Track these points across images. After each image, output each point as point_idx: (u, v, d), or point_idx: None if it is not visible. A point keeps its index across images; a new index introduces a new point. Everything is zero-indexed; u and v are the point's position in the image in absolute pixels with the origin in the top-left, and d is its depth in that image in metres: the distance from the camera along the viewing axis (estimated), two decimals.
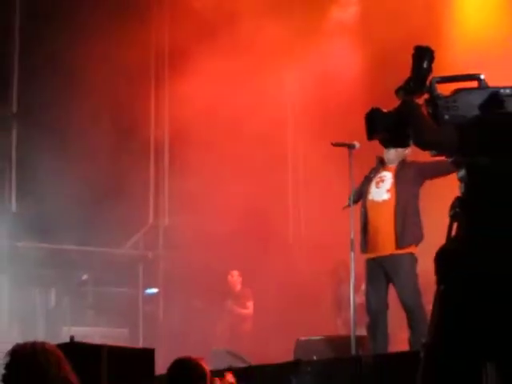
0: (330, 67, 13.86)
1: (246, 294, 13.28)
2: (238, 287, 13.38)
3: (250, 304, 13.16)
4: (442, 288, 4.43)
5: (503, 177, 4.53)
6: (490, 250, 4.39)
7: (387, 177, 8.70)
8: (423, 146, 5.09)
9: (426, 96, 4.99)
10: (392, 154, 8.63)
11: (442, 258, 4.53)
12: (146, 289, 15.70)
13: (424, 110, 4.91)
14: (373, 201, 8.81)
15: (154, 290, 15.71)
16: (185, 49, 15.18)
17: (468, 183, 4.64)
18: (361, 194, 8.92)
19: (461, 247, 4.50)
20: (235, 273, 13.44)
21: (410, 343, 7.95)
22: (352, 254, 8.74)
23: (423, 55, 4.99)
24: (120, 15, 14.44)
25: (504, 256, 4.33)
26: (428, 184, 8.75)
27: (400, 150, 8.30)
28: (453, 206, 4.60)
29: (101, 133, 14.35)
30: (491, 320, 4.21)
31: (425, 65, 4.97)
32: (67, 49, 14.43)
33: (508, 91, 4.87)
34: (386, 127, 5.09)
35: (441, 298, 4.43)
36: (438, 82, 5.01)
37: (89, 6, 14.45)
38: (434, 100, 4.94)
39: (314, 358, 8.38)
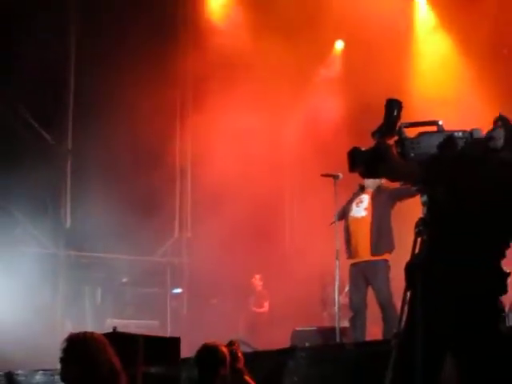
0: (319, 114, 13.91)
1: (265, 295, 13.26)
2: (259, 287, 13.34)
3: (267, 304, 13.15)
4: (409, 293, 4.50)
5: (454, 203, 4.59)
6: (445, 265, 4.46)
7: (365, 198, 8.74)
8: (392, 178, 5.20)
9: (395, 138, 5.07)
10: (370, 181, 8.57)
11: (409, 270, 4.58)
12: (173, 289, 15.70)
13: (394, 149, 5.00)
14: (353, 217, 8.83)
15: (179, 290, 15.72)
16: (204, 99, 15.24)
17: (428, 207, 4.72)
18: (344, 214, 8.93)
19: (423, 262, 4.54)
20: (257, 276, 13.40)
21: (384, 333, 7.97)
22: (337, 261, 8.80)
23: (393, 106, 5.04)
24: (157, 63, 14.58)
25: (454, 271, 4.37)
26: (398, 206, 8.77)
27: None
28: (417, 225, 4.66)
29: (137, 161, 14.41)
30: (448, 318, 4.31)
31: (394, 113, 5.03)
32: (115, 89, 14.34)
33: (460, 134, 4.93)
34: (363, 162, 5.15)
35: (409, 300, 4.49)
36: (405, 127, 5.08)
37: (131, 52, 14.32)
38: (401, 141, 5.01)
39: (307, 344, 8.47)
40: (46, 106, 16.16)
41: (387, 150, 4.97)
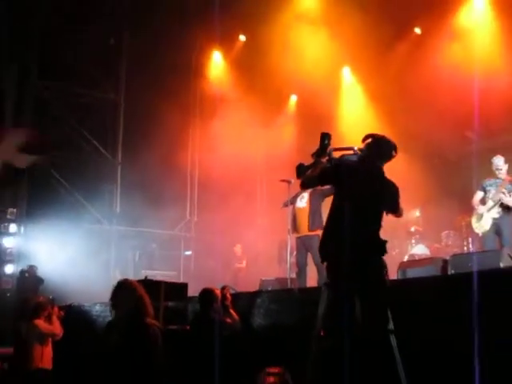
0: (279, 142, 13.97)
1: (243, 257, 13.16)
2: (239, 253, 13.22)
3: (245, 262, 13.10)
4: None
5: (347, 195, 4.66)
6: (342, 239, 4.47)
7: (305, 195, 8.64)
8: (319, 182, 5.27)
9: (326, 158, 5.11)
10: None
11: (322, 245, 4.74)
12: (185, 252, 15.69)
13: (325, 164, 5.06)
14: (298, 207, 8.75)
15: (189, 252, 15.73)
16: (207, 122, 15.25)
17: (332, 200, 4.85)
18: (291, 203, 8.85)
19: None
20: (238, 245, 13.28)
21: (318, 282, 7.88)
22: (289, 236, 8.78)
23: (326, 136, 5.09)
24: (178, 101, 14.47)
25: (350, 242, 4.37)
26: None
27: None
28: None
29: (163, 167, 14.30)
30: (351, 275, 4.32)
31: (326, 141, 5.09)
32: (151, 117, 14.37)
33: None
34: (304, 172, 5.20)
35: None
36: (333, 150, 5.13)
37: (164, 93, 14.05)
38: (330, 160, 5.07)
39: (269, 288, 8.53)
40: (103, 129, 16.08)
41: (319, 165, 5.06)
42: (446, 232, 10.75)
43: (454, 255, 6.92)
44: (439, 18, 11.77)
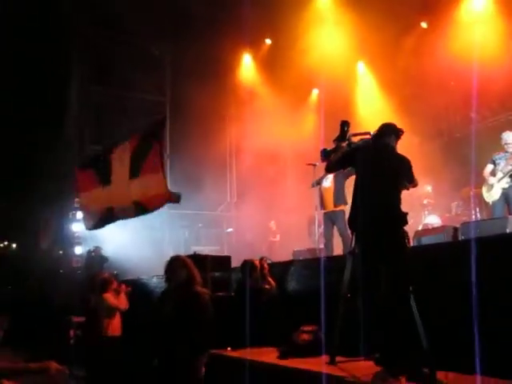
0: (304, 130, 13.86)
1: (277, 231, 13.08)
2: (274, 228, 13.13)
3: (278, 236, 13.04)
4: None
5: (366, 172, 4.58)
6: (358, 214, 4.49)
7: (330, 176, 8.58)
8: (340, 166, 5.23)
9: (346, 142, 5.06)
10: None
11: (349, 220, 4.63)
12: (227, 229, 15.72)
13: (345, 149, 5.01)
14: (324, 186, 8.73)
15: (230, 229, 15.72)
16: (242, 120, 15.17)
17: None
18: (318, 184, 8.83)
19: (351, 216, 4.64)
20: (272, 222, 13.20)
21: (343, 251, 7.87)
22: (316, 212, 8.80)
23: (345, 124, 5.05)
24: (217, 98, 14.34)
25: (372, 216, 4.36)
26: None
27: None
28: None
29: (206, 159, 14.42)
30: (372, 245, 4.29)
31: (345, 128, 5.04)
32: (194, 106, 14.26)
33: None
34: (328, 156, 5.16)
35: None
36: (352, 136, 5.08)
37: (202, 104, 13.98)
38: (349, 144, 5.02)
39: (301, 258, 8.40)
40: (154, 128, 16.21)
41: (341, 149, 5.00)
42: (456, 203, 10.60)
43: (464, 223, 6.76)
44: (443, 13, 11.52)
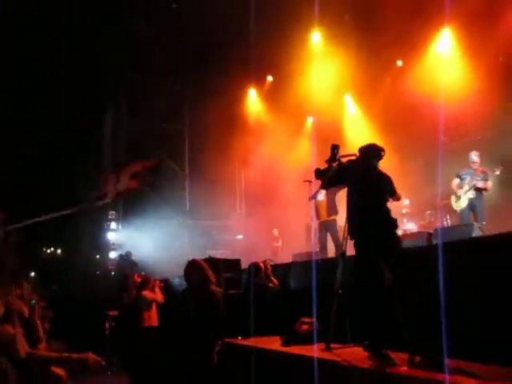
0: (301, 152, 13.82)
1: (279, 237, 12.96)
2: (276, 234, 13.02)
3: (281, 242, 12.89)
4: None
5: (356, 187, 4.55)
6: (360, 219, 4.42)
7: (323, 191, 8.57)
8: (332, 183, 5.17)
9: (336, 163, 5.04)
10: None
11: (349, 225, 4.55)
12: (237, 235, 15.60)
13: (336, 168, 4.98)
14: (318, 200, 8.73)
15: (240, 236, 15.57)
16: (251, 142, 15.12)
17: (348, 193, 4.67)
18: (313, 198, 8.81)
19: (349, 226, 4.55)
20: (275, 229, 13.07)
21: (335, 255, 7.83)
22: (312, 221, 8.76)
23: (335, 147, 5.01)
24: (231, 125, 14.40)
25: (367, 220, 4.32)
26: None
27: None
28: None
29: (219, 177, 14.28)
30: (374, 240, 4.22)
31: (335, 150, 4.99)
32: (209, 134, 14.32)
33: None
34: (321, 175, 5.13)
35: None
36: (341, 157, 5.05)
37: (219, 121, 13.92)
38: (339, 164, 4.99)
39: (299, 260, 8.13)
40: (174, 151, 16.28)
41: (331, 169, 4.97)
42: (429, 212, 10.59)
43: (436, 229, 6.73)
44: (416, 53, 11.57)
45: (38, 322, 3.31)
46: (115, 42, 14.30)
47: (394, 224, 4.34)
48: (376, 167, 4.64)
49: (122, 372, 6.85)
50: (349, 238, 4.56)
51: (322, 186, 5.40)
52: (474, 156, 8.17)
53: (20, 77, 13.32)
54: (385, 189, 4.53)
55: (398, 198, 4.71)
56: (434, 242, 6.12)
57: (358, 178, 4.57)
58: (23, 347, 2.26)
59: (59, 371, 3.06)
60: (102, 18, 13.83)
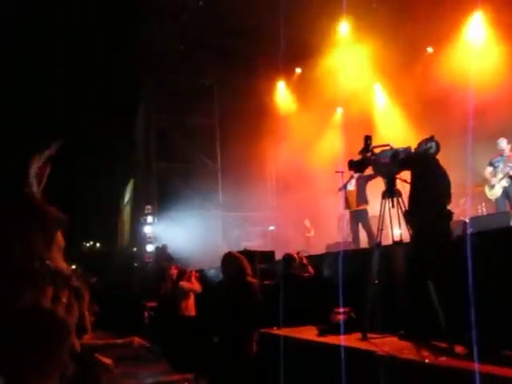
0: (332, 142, 13.67)
1: (311, 228, 12.89)
2: (308, 225, 12.95)
3: (312, 232, 12.81)
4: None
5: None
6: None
7: (353, 181, 8.49)
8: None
9: (370, 153, 4.98)
10: (356, 174, 8.40)
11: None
12: (270, 226, 15.49)
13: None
14: (348, 190, 8.60)
15: (272, 227, 15.47)
16: (280, 136, 15.05)
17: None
18: (344, 188, 8.72)
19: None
20: (307, 220, 13.00)
21: (369, 245, 7.75)
22: (347, 211, 8.68)
23: (368, 138, 4.95)
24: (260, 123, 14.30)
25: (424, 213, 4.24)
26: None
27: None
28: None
29: (249, 167, 14.26)
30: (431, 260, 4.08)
31: (368, 141, 4.94)
32: (239, 126, 14.24)
33: (401, 149, 4.79)
34: (354, 165, 5.08)
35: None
36: (374, 147, 4.99)
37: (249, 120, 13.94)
38: (372, 154, 4.93)
39: (331, 251, 8.26)
40: (207, 146, 16.37)
41: (366, 159, 4.92)
42: (463, 199, 10.30)
43: (472, 217, 6.57)
44: (447, 40, 11.26)
45: (87, 313, 3.39)
46: (143, 41, 14.47)
47: (449, 216, 4.25)
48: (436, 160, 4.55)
49: (163, 360, 6.98)
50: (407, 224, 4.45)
51: (356, 170, 5.35)
52: (502, 143, 7.96)
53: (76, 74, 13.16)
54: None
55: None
56: (470, 230, 5.97)
57: (425, 169, 4.47)
58: (75, 339, 2.32)
59: (106, 360, 3.13)
60: (127, 18, 13.89)
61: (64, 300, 1.38)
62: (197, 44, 14.92)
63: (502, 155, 7.91)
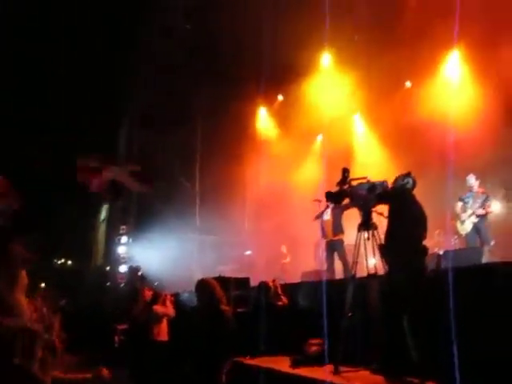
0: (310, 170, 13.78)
1: (287, 254, 12.78)
2: (285, 251, 12.83)
3: (289, 258, 12.67)
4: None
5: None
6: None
7: (328, 210, 8.49)
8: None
9: (347, 185, 5.04)
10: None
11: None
12: (246, 251, 15.17)
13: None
14: (324, 219, 8.60)
15: (249, 252, 14.87)
16: (257, 160, 15.07)
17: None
18: (320, 217, 8.75)
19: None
20: (284, 246, 12.90)
21: (344, 275, 7.75)
22: (322, 239, 8.68)
23: (345, 170, 5.03)
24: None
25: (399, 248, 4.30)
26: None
27: None
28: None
29: (227, 192, 14.20)
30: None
31: (346, 174, 5.02)
32: (219, 151, 14.22)
33: (378, 183, 4.87)
34: (331, 197, 5.13)
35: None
36: (351, 179, 5.06)
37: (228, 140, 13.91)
38: (350, 186, 5.00)
39: (306, 279, 8.29)
40: (187, 167, 16.29)
41: (343, 191, 4.97)
42: (437, 231, 10.45)
43: (446, 251, 6.65)
44: (424, 75, 11.57)
45: (56, 340, 3.33)
46: (130, 60, 14.44)
47: (425, 252, 4.34)
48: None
49: None
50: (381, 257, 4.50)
51: (333, 201, 5.39)
52: (471, 179, 8.24)
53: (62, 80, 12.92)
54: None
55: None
56: (443, 264, 6.05)
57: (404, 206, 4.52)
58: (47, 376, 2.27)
59: None
60: (115, 30, 13.74)
61: (39, 355, 1.33)
62: (183, 63, 14.96)
63: (470, 191, 8.15)
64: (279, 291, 6.34)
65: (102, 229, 16.55)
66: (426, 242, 9.90)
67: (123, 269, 13.94)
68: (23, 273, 1.40)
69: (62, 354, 3.98)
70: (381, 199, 4.74)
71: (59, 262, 20.88)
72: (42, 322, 3.78)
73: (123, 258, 14.15)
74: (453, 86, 11.02)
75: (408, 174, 4.71)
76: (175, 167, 15.56)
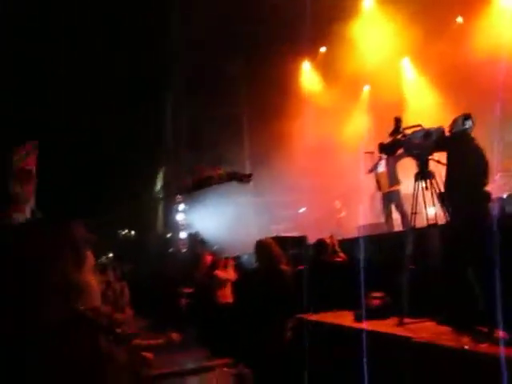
0: (359, 122, 13.33)
1: (342, 209, 12.66)
2: (339, 206, 12.74)
3: (344, 213, 12.56)
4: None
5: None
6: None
7: (382, 162, 8.34)
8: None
9: (401, 135, 4.89)
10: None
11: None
12: (300, 209, 15.07)
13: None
14: (378, 171, 8.48)
15: (303, 209, 14.75)
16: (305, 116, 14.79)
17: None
18: (373, 170, 8.57)
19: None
20: (337, 201, 12.82)
21: (403, 226, 7.61)
22: (377, 192, 8.56)
23: (398, 119, 4.87)
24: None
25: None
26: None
27: None
28: None
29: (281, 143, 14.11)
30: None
31: (398, 123, 4.86)
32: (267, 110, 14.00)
33: (433, 129, 4.68)
34: (385, 148, 5.00)
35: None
36: (404, 128, 4.90)
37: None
38: (403, 135, 4.84)
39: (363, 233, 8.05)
40: (234, 134, 16.19)
41: (397, 141, 4.84)
42: (499, 174, 9.97)
43: (510, 195, 6.34)
44: (477, 6, 10.79)
45: (127, 308, 3.54)
46: (168, 31, 14.33)
47: (488, 197, 4.15)
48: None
49: (200, 347, 7.08)
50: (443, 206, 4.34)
51: (386, 153, 5.25)
52: None
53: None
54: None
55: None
56: (508, 208, 5.79)
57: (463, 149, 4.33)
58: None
59: (148, 354, 3.23)
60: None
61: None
62: (220, 32, 14.71)
63: None
64: (337, 247, 6.31)
65: (159, 198, 17.06)
66: (488, 187, 9.60)
67: (183, 235, 14.37)
68: (89, 253, 1.44)
69: (133, 319, 4.20)
70: (438, 146, 4.53)
71: (123, 233, 21.81)
72: (114, 295, 3.98)
73: (182, 224, 14.56)
74: (509, 13, 10.17)
75: (468, 116, 4.43)
76: (223, 135, 15.51)
